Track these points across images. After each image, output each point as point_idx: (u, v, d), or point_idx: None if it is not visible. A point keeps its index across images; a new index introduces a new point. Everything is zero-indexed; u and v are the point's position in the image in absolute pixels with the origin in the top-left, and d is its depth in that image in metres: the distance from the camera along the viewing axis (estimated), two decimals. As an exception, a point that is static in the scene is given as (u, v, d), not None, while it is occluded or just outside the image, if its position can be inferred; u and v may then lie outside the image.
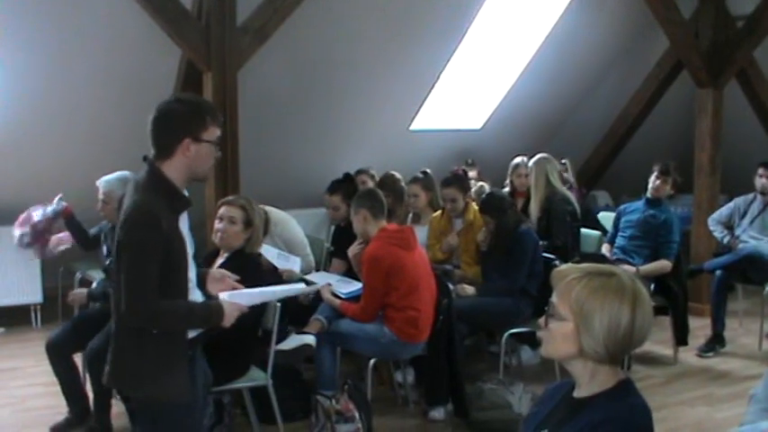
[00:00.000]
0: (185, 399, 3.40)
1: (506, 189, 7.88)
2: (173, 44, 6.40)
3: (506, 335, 6.30)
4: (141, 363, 3.33)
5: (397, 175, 7.58)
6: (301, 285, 5.11)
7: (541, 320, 2.52)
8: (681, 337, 7.32)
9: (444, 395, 5.89)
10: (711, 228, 8.24)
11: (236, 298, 3.58)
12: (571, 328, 2.41)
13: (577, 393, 2.52)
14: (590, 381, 2.48)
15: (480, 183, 8.54)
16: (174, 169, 3.33)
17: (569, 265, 2.60)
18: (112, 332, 3.43)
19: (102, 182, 5.65)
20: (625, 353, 2.47)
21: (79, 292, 5.70)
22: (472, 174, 8.88)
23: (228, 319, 3.48)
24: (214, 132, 3.37)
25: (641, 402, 2.48)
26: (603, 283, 2.42)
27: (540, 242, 6.76)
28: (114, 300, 3.34)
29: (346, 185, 6.92)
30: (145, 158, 3.38)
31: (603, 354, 2.41)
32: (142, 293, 3.22)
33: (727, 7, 8.96)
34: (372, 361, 5.73)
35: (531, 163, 7.58)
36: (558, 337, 2.46)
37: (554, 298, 2.48)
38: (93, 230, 6.62)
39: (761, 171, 7.93)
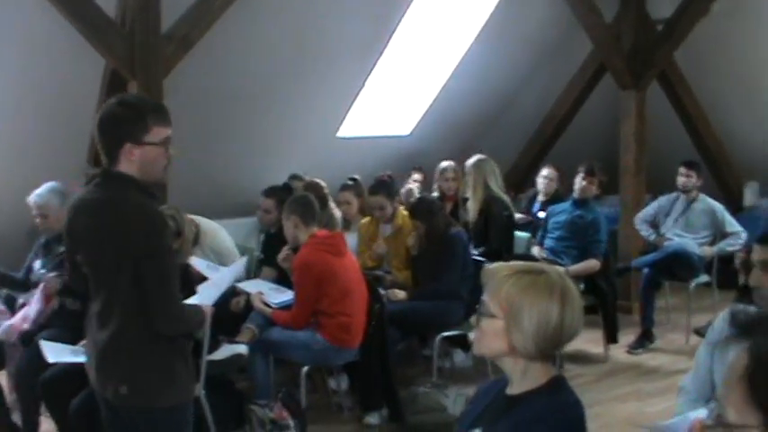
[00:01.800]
0: (191, 397, 3.43)
1: (435, 193, 7.90)
2: (97, 52, 6.31)
3: (439, 338, 6.33)
4: (160, 370, 3.28)
5: (322, 182, 7.58)
6: (244, 260, 5.13)
7: (474, 320, 2.53)
8: (611, 335, 7.43)
9: (378, 400, 5.89)
10: (638, 227, 8.36)
11: (203, 295, 3.59)
12: (502, 325, 2.43)
13: (510, 391, 2.54)
14: (522, 378, 2.49)
15: (409, 186, 8.58)
16: None
17: (499, 263, 2.62)
18: (117, 356, 3.28)
19: (35, 196, 5.51)
20: (555, 349, 2.50)
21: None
22: (417, 177, 8.89)
23: (207, 321, 3.52)
24: (159, 133, 3.25)
25: (573, 398, 2.50)
26: (533, 281, 2.44)
27: (479, 248, 6.83)
28: (119, 317, 3.24)
29: (282, 191, 6.89)
30: (92, 178, 3.31)
31: (534, 350, 2.43)
32: (175, 298, 3.22)
33: (648, 11, 9.13)
34: (306, 368, 5.70)
35: (468, 165, 7.57)
36: (488, 334, 2.47)
37: (485, 296, 2.49)
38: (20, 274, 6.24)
39: (682, 170, 8.08)
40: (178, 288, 3.25)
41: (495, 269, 2.51)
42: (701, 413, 3.37)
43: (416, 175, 8.94)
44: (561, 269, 6.82)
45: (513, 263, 2.57)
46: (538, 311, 2.40)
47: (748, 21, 9.16)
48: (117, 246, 3.18)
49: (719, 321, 3.68)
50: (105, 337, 3.27)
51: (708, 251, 7.90)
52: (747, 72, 9.66)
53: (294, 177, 7.75)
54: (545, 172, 8.58)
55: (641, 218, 8.36)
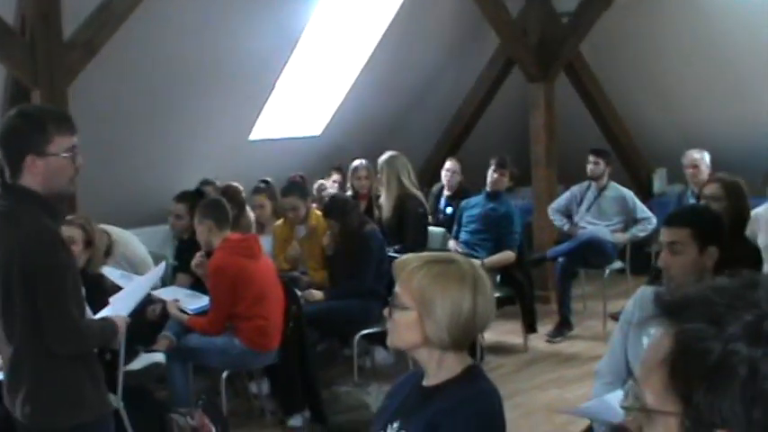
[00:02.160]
0: (109, 409, 3.37)
1: (349, 192, 7.89)
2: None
3: (358, 336, 6.33)
4: (63, 389, 3.18)
5: (239, 186, 7.53)
6: (162, 267, 5.06)
7: (386, 311, 2.52)
8: (529, 325, 7.51)
9: (300, 402, 5.86)
10: (551, 217, 8.47)
11: (117, 306, 3.52)
12: (414, 316, 2.43)
13: (426, 382, 2.54)
14: (437, 368, 2.49)
15: (321, 181, 8.55)
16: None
17: (410, 254, 2.62)
18: (20, 373, 3.19)
19: None
20: (469, 338, 2.51)
21: None
22: (336, 177, 8.83)
23: (121, 332, 3.44)
24: (62, 142, 3.14)
25: (489, 387, 2.52)
26: (443, 270, 2.44)
27: (395, 245, 6.85)
28: (18, 334, 3.14)
29: (194, 196, 6.81)
30: None
31: (448, 340, 2.43)
32: (70, 317, 3.10)
33: (553, 4, 9.25)
34: (225, 374, 5.65)
35: (381, 162, 7.58)
36: (402, 326, 2.47)
37: (396, 288, 2.49)
38: None
39: (592, 158, 8.21)
40: (79, 305, 3.16)
41: (406, 261, 2.51)
42: (617, 395, 3.42)
43: (336, 176, 8.91)
44: (477, 261, 6.94)
45: (423, 254, 2.58)
46: (450, 301, 2.40)
47: (651, 12, 9.32)
48: (9, 262, 3.09)
49: (631, 304, 3.76)
50: (10, 353, 3.20)
51: (620, 238, 8.05)
52: (652, 62, 9.83)
53: (205, 183, 7.67)
54: (448, 165, 8.61)
55: (554, 208, 8.47)
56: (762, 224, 5.71)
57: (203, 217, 5.62)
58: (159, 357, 5.42)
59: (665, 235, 3.53)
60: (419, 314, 2.42)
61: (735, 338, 1.17)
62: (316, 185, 8.18)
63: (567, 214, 8.38)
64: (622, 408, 1.34)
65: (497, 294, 7.20)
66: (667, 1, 9.15)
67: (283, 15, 7.99)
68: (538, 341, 7.69)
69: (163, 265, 5.23)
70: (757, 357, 1.16)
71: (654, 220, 7.88)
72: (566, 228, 8.35)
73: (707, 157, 8.09)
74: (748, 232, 5.19)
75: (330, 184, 8.70)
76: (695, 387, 1.18)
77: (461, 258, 2.53)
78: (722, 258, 3.50)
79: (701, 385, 1.18)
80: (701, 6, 8.85)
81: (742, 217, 5.08)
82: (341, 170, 8.99)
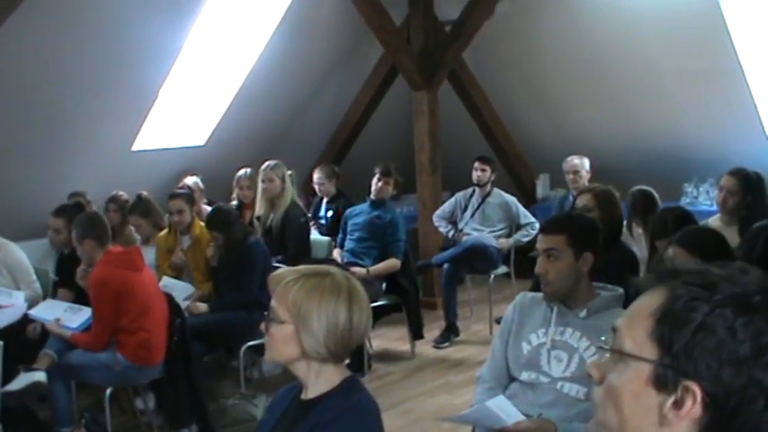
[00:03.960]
0: None
1: (234, 202, 7.83)
2: None
3: (244, 348, 6.28)
4: None
5: (124, 195, 7.43)
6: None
7: (263, 326, 2.52)
8: (416, 332, 7.56)
9: (187, 416, 5.76)
10: (436, 224, 8.56)
11: None
12: (291, 330, 2.44)
13: (305, 395, 2.55)
14: (316, 381, 2.51)
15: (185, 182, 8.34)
16: None
17: (285, 268, 2.62)
18: None
19: None
20: (346, 350, 2.52)
21: None
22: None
23: None
24: None
25: (367, 398, 2.54)
26: (319, 283, 2.45)
27: (278, 255, 6.83)
28: None
29: (73, 210, 6.65)
30: None
31: (325, 353, 2.44)
32: None
33: (436, 13, 9.34)
34: (109, 390, 5.53)
35: (272, 169, 7.42)
36: (279, 340, 2.47)
37: (273, 302, 2.49)
38: None
39: (477, 164, 8.34)
40: None
41: (281, 275, 2.52)
42: (498, 401, 3.48)
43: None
44: (362, 272, 6.98)
45: (299, 267, 2.58)
46: (326, 313, 2.41)
47: (533, 20, 9.47)
48: None
49: (510, 310, 3.82)
50: None
51: (505, 244, 8.19)
52: (534, 69, 10.00)
53: (74, 195, 7.50)
54: (315, 177, 8.56)
55: (439, 215, 8.57)
56: None
57: (84, 236, 5.50)
58: (40, 376, 5.27)
59: (542, 242, 3.61)
60: (296, 328, 2.43)
61: (723, 304, 1.31)
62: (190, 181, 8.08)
63: (452, 221, 8.49)
64: (598, 348, 1.45)
65: (383, 302, 7.30)
66: (549, 9, 9.31)
67: (165, 24, 7.89)
68: (425, 347, 7.74)
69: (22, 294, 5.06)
70: (739, 324, 1.30)
71: (537, 225, 8.02)
72: (450, 234, 8.45)
73: (587, 162, 8.28)
74: None
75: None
76: (677, 339, 1.32)
77: (337, 271, 2.53)
78: (597, 264, 3.60)
79: (684, 338, 1.31)
80: (582, 14, 9.03)
81: (616, 224, 5.21)
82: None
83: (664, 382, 1.33)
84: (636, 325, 1.38)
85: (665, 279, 1.40)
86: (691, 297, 1.34)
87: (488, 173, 8.32)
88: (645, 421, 1.36)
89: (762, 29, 8.32)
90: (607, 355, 1.43)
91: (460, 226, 8.39)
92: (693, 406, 1.31)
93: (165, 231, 6.87)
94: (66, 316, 5.73)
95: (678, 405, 1.32)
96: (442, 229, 8.55)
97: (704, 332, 1.31)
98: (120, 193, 7.51)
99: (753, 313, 1.31)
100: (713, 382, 1.30)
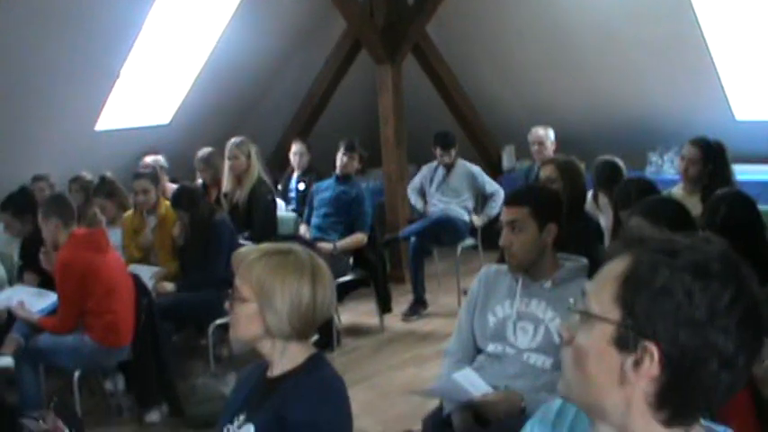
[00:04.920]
0: None
1: (199, 181, 7.78)
2: None
3: (213, 326, 6.27)
4: None
5: (88, 176, 7.37)
6: None
7: (227, 304, 2.52)
8: (384, 305, 7.58)
9: (157, 397, 5.77)
10: (410, 196, 8.63)
11: None
12: (255, 308, 2.44)
13: (270, 373, 2.55)
14: (281, 359, 2.51)
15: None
16: None
17: (248, 246, 2.62)
18: None
19: None
20: (311, 328, 2.52)
21: None
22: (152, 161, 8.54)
23: None
24: None
25: (332, 374, 2.55)
26: (282, 261, 2.45)
27: (245, 231, 6.82)
28: None
29: (18, 199, 6.57)
30: None
31: (289, 331, 2.45)
32: None
33: (399, -14, 9.31)
34: (78, 373, 5.50)
35: (238, 146, 7.42)
36: (243, 319, 2.47)
37: (236, 281, 2.49)
38: None
39: (439, 151, 8.37)
40: None
41: (244, 253, 2.52)
42: (465, 374, 3.50)
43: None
44: (329, 247, 6.99)
45: (262, 245, 2.58)
46: (290, 291, 2.42)
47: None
48: None
49: (476, 283, 3.84)
50: None
51: (477, 221, 8.26)
52: (498, 41, 9.98)
53: (38, 179, 7.43)
54: (294, 148, 8.60)
55: (411, 188, 8.62)
56: None
57: (49, 215, 5.46)
58: (7, 361, 5.26)
59: (505, 214, 3.63)
60: (260, 306, 2.43)
61: (683, 269, 1.38)
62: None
63: (423, 193, 8.52)
64: (569, 309, 1.52)
65: (351, 277, 7.31)
66: (511, -20, 9.32)
67: (126, 3, 7.81)
68: (394, 321, 7.76)
69: None
70: (696, 288, 1.37)
71: (502, 193, 8.09)
72: (419, 206, 8.50)
73: (551, 133, 8.30)
74: None
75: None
76: (638, 301, 1.39)
77: (299, 248, 2.53)
78: (561, 235, 3.62)
79: (644, 300, 1.39)
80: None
81: (579, 194, 5.24)
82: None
83: (625, 342, 1.40)
84: (602, 288, 1.44)
85: (631, 246, 1.46)
86: (653, 262, 1.40)
87: (452, 154, 8.36)
88: (607, 380, 1.43)
89: (723, -2, 8.37)
90: (576, 316, 1.49)
91: (428, 199, 8.43)
92: (651, 365, 1.38)
93: (130, 212, 6.82)
94: (32, 300, 5.70)
95: (637, 364, 1.39)
96: (413, 202, 8.61)
97: (664, 295, 1.37)
98: (84, 173, 7.46)
99: (710, 278, 1.37)
100: (670, 342, 1.36)
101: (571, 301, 1.52)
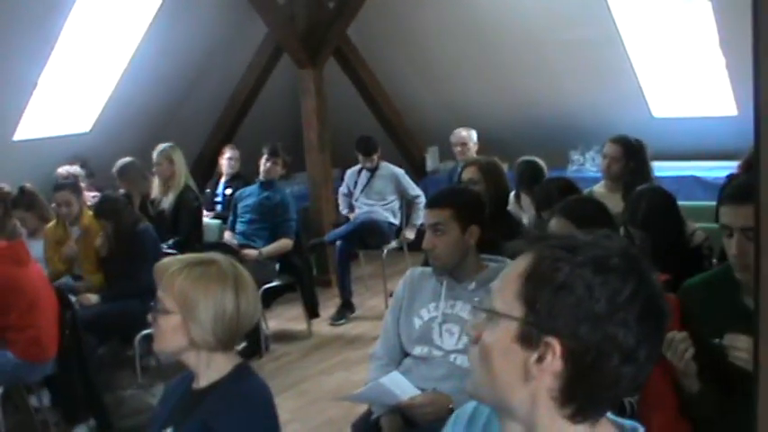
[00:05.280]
0: None
1: (122, 190, 7.69)
2: None
3: (139, 337, 6.20)
4: None
5: (6, 187, 7.23)
6: None
7: (150, 316, 2.50)
8: (312, 310, 7.58)
9: (84, 411, 5.68)
10: (340, 202, 8.66)
11: None
12: (178, 320, 2.43)
13: (196, 385, 2.54)
14: (206, 370, 2.51)
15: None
16: None
17: (170, 257, 2.60)
18: None
19: None
20: (235, 337, 2.52)
21: None
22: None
23: None
24: None
25: (258, 383, 2.55)
26: (204, 272, 2.45)
27: (170, 239, 6.76)
28: None
29: None
30: None
31: (214, 341, 2.44)
32: None
33: (319, -10, 9.31)
34: (1, 389, 5.40)
35: (164, 152, 7.43)
36: (166, 331, 2.47)
37: (159, 292, 2.48)
38: None
39: (361, 158, 8.41)
40: None
41: (166, 264, 2.51)
42: (392, 377, 3.52)
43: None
44: (254, 253, 6.96)
45: (184, 256, 2.58)
46: (213, 302, 2.42)
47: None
48: None
49: (401, 286, 3.86)
50: None
51: (409, 234, 8.36)
52: (419, 43, 10.04)
53: None
54: (228, 153, 8.63)
55: (341, 193, 8.66)
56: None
57: None
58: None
59: (428, 217, 3.65)
60: (183, 317, 2.43)
61: (582, 264, 1.40)
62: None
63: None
64: (474, 307, 1.55)
65: (277, 282, 7.29)
66: (432, -18, 9.37)
67: (43, 9, 7.69)
68: (322, 326, 7.76)
69: None
70: (596, 283, 1.39)
71: (423, 198, 8.16)
72: (345, 211, 8.53)
73: (474, 134, 8.41)
74: None
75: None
76: (540, 297, 1.41)
77: (222, 258, 2.53)
78: (484, 235, 3.65)
79: (546, 296, 1.40)
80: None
81: (502, 195, 5.30)
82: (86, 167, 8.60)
83: (528, 338, 1.42)
84: (506, 286, 1.46)
85: (533, 244, 1.48)
86: (554, 258, 1.42)
87: (375, 159, 8.38)
88: (512, 377, 1.44)
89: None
90: (483, 315, 1.51)
91: (353, 202, 8.46)
92: (554, 361, 1.39)
93: (52, 223, 6.71)
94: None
95: (540, 360, 1.41)
96: (342, 207, 8.65)
97: (564, 291, 1.39)
98: (2, 185, 7.31)
99: (610, 273, 1.39)
100: (572, 337, 1.38)
101: (476, 299, 1.54)
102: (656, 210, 4.20)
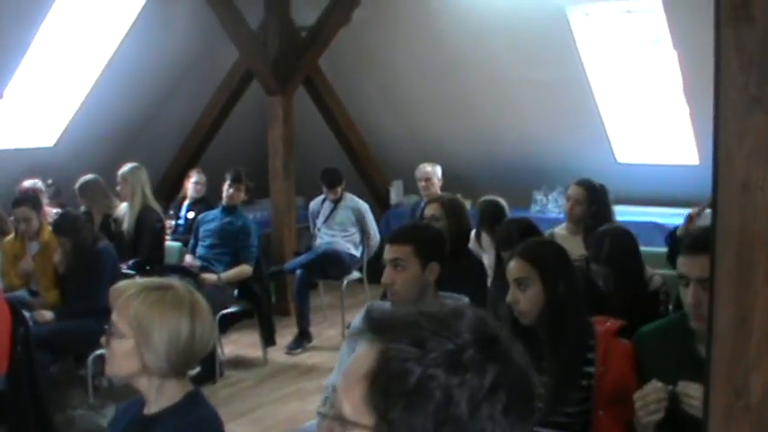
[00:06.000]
0: None
1: (83, 207, 7.63)
2: None
3: (93, 356, 6.13)
4: None
5: None
6: None
7: (103, 340, 2.48)
8: (268, 338, 7.55)
9: (33, 429, 5.60)
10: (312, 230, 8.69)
11: None
12: (132, 344, 2.41)
13: (147, 410, 2.52)
14: (157, 396, 2.48)
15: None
16: None
17: (126, 281, 2.59)
18: None
19: None
20: (189, 364, 2.50)
21: None
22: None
23: None
24: None
25: (209, 412, 2.53)
26: (160, 297, 2.43)
27: (131, 260, 6.73)
28: None
29: None
30: None
31: (167, 368, 2.42)
32: None
33: (292, 18, 9.32)
34: (-52, 404, 5.34)
35: (123, 173, 7.43)
36: (119, 355, 2.44)
37: (113, 315, 2.46)
38: None
39: (325, 189, 8.46)
40: None
41: (122, 288, 2.49)
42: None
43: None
44: (214, 278, 6.93)
45: (141, 280, 2.57)
46: (168, 328, 2.40)
47: (388, 28, 9.55)
48: None
49: (359, 319, 3.85)
50: None
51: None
52: (389, 76, 10.11)
53: None
54: (195, 177, 8.64)
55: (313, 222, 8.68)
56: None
57: None
58: None
59: (389, 252, 3.65)
60: (137, 342, 2.41)
61: (435, 364, 1.25)
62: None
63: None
64: (319, 413, 1.38)
65: (235, 308, 7.26)
66: (404, 18, 9.41)
67: (12, 21, 7.64)
68: (278, 354, 7.72)
69: None
70: (453, 385, 1.24)
71: (377, 239, 8.36)
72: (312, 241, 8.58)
73: (439, 170, 8.45)
74: None
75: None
76: (392, 404, 1.25)
77: (178, 284, 2.52)
78: (444, 273, 3.66)
79: (399, 403, 1.24)
80: (435, 24, 9.15)
81: (463, 233, 5.32)
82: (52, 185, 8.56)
83: None
84: (351, 388, 1.30)
85: (377, 333, 1.32)
86: (402, 358, 1.27)
87: (338, 191, 8.40)
88: None
89: (607, 43, 8.64)
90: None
91: (315, 232, 8.47)
92: None
93: (10, 237, 6.65)
94: None
95: None
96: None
97: (418, 397, 1.25)
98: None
99: (465, 371, 1.26)
100: None
101: (323, 398, 1.40)
102: (620, 247, 4.29)
